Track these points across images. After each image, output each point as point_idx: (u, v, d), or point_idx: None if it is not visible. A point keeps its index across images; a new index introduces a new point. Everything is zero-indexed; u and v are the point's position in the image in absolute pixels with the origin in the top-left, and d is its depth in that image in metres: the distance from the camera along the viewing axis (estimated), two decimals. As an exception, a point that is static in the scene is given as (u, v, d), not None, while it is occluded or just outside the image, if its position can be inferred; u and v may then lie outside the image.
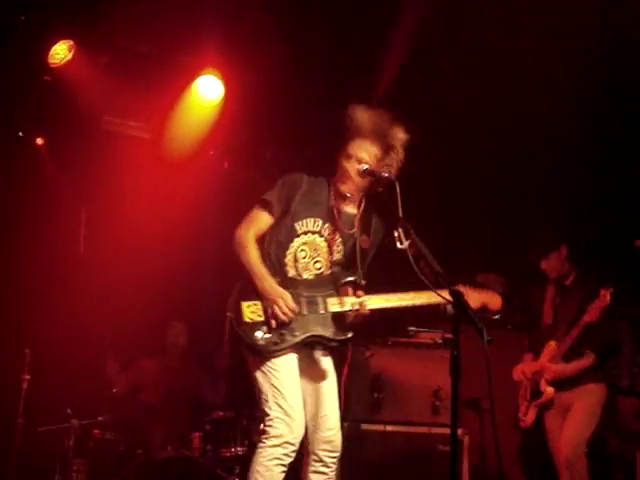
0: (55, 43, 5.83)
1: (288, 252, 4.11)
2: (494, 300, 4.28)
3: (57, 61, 5.87)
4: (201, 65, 6.23)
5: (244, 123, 6.75)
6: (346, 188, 4.14)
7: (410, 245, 3.56)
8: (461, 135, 6.48)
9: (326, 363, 4.22)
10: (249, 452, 5.47)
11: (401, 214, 3.67)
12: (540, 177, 6.76)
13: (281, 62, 6.04)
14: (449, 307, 3.29)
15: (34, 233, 6.40)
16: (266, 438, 3.92)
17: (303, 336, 4.00)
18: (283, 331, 3.96)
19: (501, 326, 6.46)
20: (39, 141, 6.44)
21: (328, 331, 4.05)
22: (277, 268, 4.08)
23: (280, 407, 3.95)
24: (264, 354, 3.98)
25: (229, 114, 6.56)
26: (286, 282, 4.05)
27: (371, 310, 4.06)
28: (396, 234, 3.59)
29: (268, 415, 3.95)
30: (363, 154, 4.09)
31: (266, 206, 4.10)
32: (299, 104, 6.57)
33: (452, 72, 6.02)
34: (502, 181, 6.80)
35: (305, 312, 4.02)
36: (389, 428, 6.00)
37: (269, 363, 3.99)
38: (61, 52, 5.85)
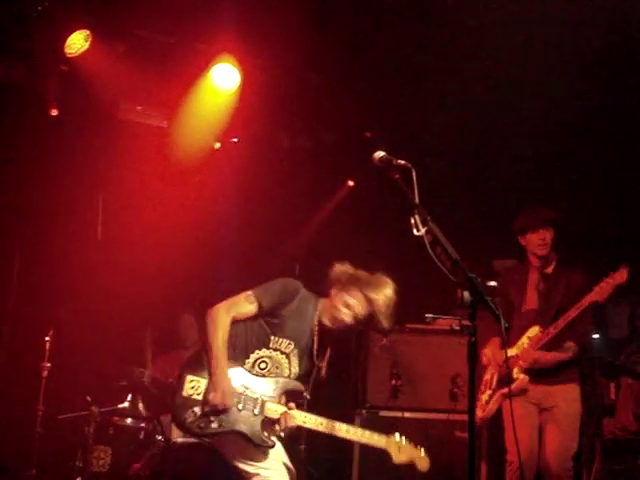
0: (72, 33, 5.85)
1: (252, 355, 4.20)
2: None
3: (74, 51, 5.89)
4: (217, 53, 6.22)
5: (261, 111, 6.75)
6: (334, 326, 4.23)
7: (427, 232, 3.55)
8: (476, 119, 6.44)
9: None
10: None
11: (417, 201, 3.65)
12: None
13: (298, 49, 6.03)
14: (466, 293, 3.28)
15: (52, 221, 6.44)
16: None
17: (227, 429, 4.07)
18: (212, 418, 4.05)
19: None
20: (53, 112, 6.41)
21: (252, 432, 4.07)
22: (237, 357, 4.15)
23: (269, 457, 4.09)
24: (190, 433, 4.12)
25: (246, 102, 6.56)
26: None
27: (298, 425, 4.13)
28: (413, 221, 3.58)
29: (261, 468, 4.06)
30: (351, 300, 4.19)
31: (257, 302, 4.15)
32: (316, 91, 6.56)
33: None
34: (518, 167, 6.78)
35: (240, 407, 4.09)
36: (407, 415, 6.03)
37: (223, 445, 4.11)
38: (78, 42, 5.88)
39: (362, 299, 4.20)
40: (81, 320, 6.07)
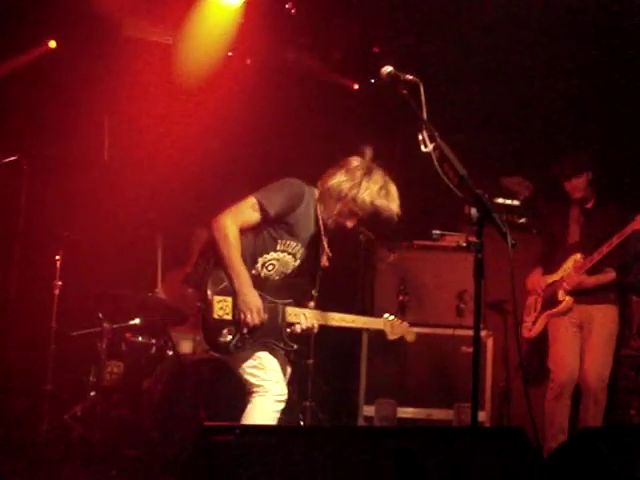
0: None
1: (260, 258, 4.20)
2: None
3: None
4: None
5: (266, 27, 6.64)
6: (333, 226, 4.29)
7: (434, 148, 3.53)
8: (495, 36, 6.33)
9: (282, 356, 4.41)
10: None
11: (425, 117, 3.62)
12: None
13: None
14: (473, 210, 3.28)
15: (58, 143, 6.40)
16: (265, 401, 4.11)
17: (261, 341, 4.16)
18: (246, 335, 4.10)
19: (526, 230, 6.47)
20: (51, 44, 6.36)
21: (279, 340, 4.22)
22: (247, 264, 4.13)
23: (274, 371, 4.18)
24: (226, 353, 4.15)
25: (250, 18, 6.45)
26: (254, 279, 4.14)
27: (320, 326, 4.32)
28: (420, 137, 3.55)
29: (265, 381, 4.13)
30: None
31: (263, 209, 4.11)
32: (323, 7, 6.44)
33: None
34: (530, 92, 6.69)
35: (265, 320, 4.14)
36: (414, 330, 6.09)
37: (247, 357, 4.16)
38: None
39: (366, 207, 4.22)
40: (91, 239, 6.08)
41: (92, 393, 5.51)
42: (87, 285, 5.92)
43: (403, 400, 6.03)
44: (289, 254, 4.26)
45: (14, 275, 6.03)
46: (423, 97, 3.68)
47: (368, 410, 6.06)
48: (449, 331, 6.10)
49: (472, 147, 6.02)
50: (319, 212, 4.28)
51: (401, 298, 6.08)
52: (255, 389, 4.16)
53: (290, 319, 4.23)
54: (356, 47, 7.03)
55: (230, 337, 4.07)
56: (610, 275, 5.48)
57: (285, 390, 4.24)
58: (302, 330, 4.25)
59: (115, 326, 5.53)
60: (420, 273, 6.23)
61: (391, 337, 4.60)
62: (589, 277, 5.46)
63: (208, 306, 4.05)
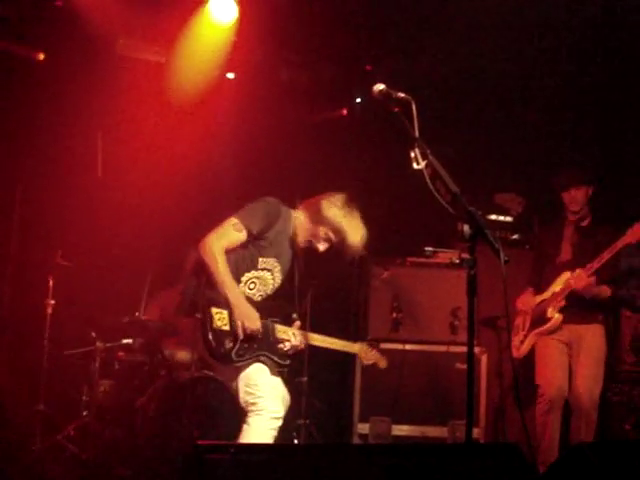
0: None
1: (242, 278, 4.38)
2: None
3: (68, -15, 5.80)
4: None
5: (259, 44, 6.67)
6: (303, 243, 4.51)
7: (427, 166, 3.54)
8: (485, 48, 6.36)
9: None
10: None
11: (417, 134, 3.63)
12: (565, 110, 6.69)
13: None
14: (466, 227, 3.29)
15: (52, 161, 6.40)
16: (262, 419, 4.18)
17: (259, 352, 4.33)
18: (245, 345, 4.27)
19: (519, 246, 6.48)
20: (40, 56, 6.36)
21: (274, 354, 4.41)
22: None
23: (270, 386, 4.27)
24: (228, 362, 4.27)
25: (244, 36, 6.48)
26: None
27: (309, 344, 4.56)
28: (412, 154, 3.57)
29: (261, 398, 4.20)
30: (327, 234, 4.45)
31: (245, 229, 4.29)
32: (317, 25, 6.47)
33: None
34: (524, 108, 6.73)
35: (261, 330, 4.31)
36: (408, 347, 6.10)
37: (248, 373, 4.29)
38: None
39: (336, 231, 4.42)
40: (83, 258, 6.07)
41: (85, 412, 5.49)
42: (80, 304, 5.90)
43: (397, 418, 6.02)
44: (268, 271, 4.44)
45: (7, 295, 6.02)
46: (415, 114, 3.70)
47: (362, 428, 6.05)
48: (443, 348, 6.10)
49: (464, 163, 6.06)
50: (296, 233, 4.48)
51: (395, 315, 6.08)
52: (251, 408, 4.22)
53: (280, 336, 4.41)
54: (348, 65, 7.06)
55: (232, 345, 4.23)
56: (605, 292, 5.44)
57: (281, 407, 4.29)
58: (291, 347, 4.43)
59: (108, 345, 5.51)
60: (413, 290, 6.23)
61: (365, 362, 4.95)
62: (589, 288, 5.36)
63: (207, 318, 4.21)
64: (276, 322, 4.43)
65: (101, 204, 6.49)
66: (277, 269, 4.48)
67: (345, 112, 7.47)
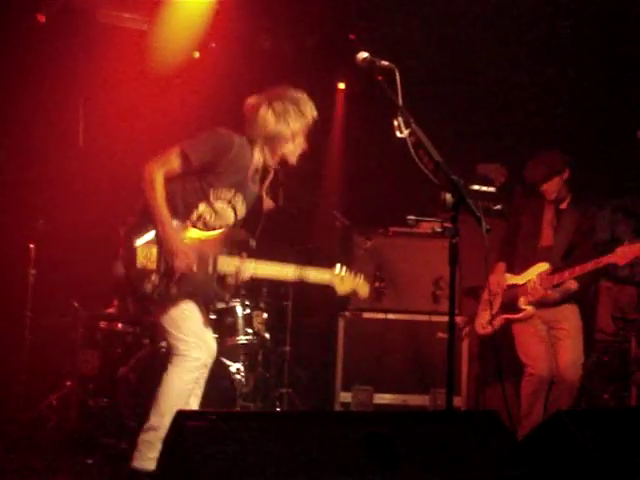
0: None
1: (195, 211, 4.12)
2: None
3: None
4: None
5: (241, 15, 6.61)
6: (274, 163, 4.27)
7: (410, 134, 3.53)
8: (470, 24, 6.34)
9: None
10: (253, 341, 5.61)
11: (401, 102, 3.62)
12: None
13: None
14: (448, 196, 3.29)
15: (32, 126, 6.34)
16: (183, 361, 4.03)
17: (184, 292, 4.05)
18: (171, 284, 4.01)
19: (502, 216, 6.49)
20: (41, 18, 6.26)
21: (207, 291, 4.15)
22: (180, 217, 4.08)
23: (194, 332, 4.07)
24: (149, 302, 4.07)
25: (225, 4, 6.41)
26: (183, 231, 4.09)
27: (251, 276, 4.17)
28: (396, 123, 3.55)
29: (183, 342, 4.04)
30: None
31: (186, 158, 4.04)
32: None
33: None
34: (509, 76, 6.71)
35: (194, 269, 4.04)
36: (390, 316, 6.13)
37: (169, 311, 4.06)
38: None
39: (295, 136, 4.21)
40: (64, 227, 6.05)
41: (68, 382, 5.48)
42: (62, 273, 5.88)
43: (380, 387, 6.05)
44: (227, 202, 4.19)
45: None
46: (398, 83, 3.69)
47: (345, 397, 6.08)
48: (425, 317, 6.13)
49: (448, 133, 6.06)
50: (256, 157, 4.23)
51: (377, 285, 6.10)
52: (173, 351, 4.08)
53: (222, 268, 4.14)
54: (331, 34, 7.01)
55: (154, 285, 3.98)
56: (573, 286, 5.35)
57: (205, 354, 4.12)
58: (235, 280, 4.16)
59: (90, 314, 5.50)
60: (397, 260, 6.24)
61: (340, 291, 4.33)
62: (554, 292, 5.33)
63: (131, 255, 3.99)
64: (222, 254, 4.14)
65: (82, 172, 6.45)
66: (238, 199, 4.22)
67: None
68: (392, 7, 6.50)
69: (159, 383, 4.07)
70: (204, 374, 4.19)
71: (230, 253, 4.18)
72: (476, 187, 6.40)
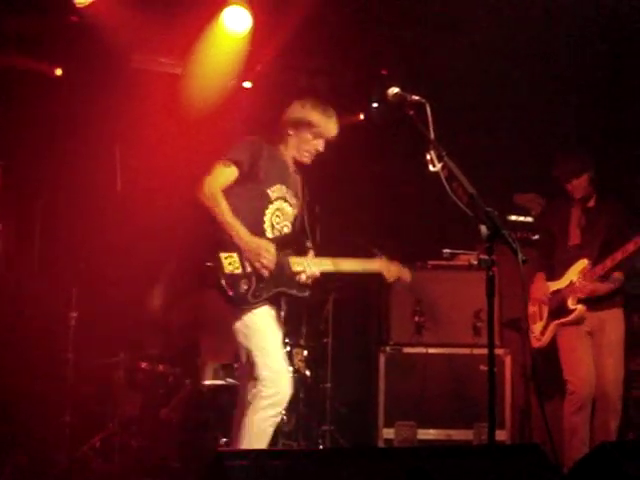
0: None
1: (265, 218, 4.29)
2: None
3: (83, 1, 5.84)
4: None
5: (275, 52, 6.67)
6: (308, 160, 4.46)
7: (443, 167, 3.54)
8: (492, 49, 6.33)
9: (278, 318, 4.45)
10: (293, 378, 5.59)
11: (433, 136, 3.63)
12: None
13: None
14: (483, 228, 3.28)
15: (70, 173, 6.44)
16: (259, 399, 4.06)
17: (276, 290, 4.23)
18: (261, 285, 4.16)
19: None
20: (57, 72, 6.42)
21: (292, 288, 4.31)
22: (255, 231, 4.22)
23: (269, 367, 4.12)
24: (245, 306, 4.14)
25: (259, 44, 6.49)
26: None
27: (322, 272, 4.38)
28: (428, 157, 3.57)
29: (259, 376, 4.09)
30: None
31: (232, 163, 4.23)
32: (333, 32, 6.46)
33: None
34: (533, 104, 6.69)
35: (275, 262, 4.21)
36: (431, 350, 6.08)
37: (251, 317, 4.16)
38: (87, -8, 5.82)
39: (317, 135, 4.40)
40: (106, 270, 6.11)
41: (110, 424, 5.51)
42: (102, 316, 5.93)
43: (423, 421, 5.99)
44: (283, 200, 4.37)
45: (31, 307, 6.06)
46: (429, 117, 3.70)
47: (388, 433, 6.03)
48: (466, 350, 6.07)
49: (483, 164, 6.04)
50: (287, 154, 4.45)
51: (417, 319, 6.08)
52: (257, 384, 4.10)
53: (295, 268, 4.31)
54: (366, 70, 7.05)
55: (246, 287, 4.12)
56: (620, 279, 5.35)
57: (287, 391, 4.16)
58: (308, 277, 4.33)
59: (132, 356, 5.53)
60: (436, 293, 6.21)
61: (389, 279, 4.62)
62: (602, 284, 5.31)
63: (217, 264, 4.10)
64: (289, 255, 4.32)
65: (121, 217, 6.52)
66: (289, 194, 4.41)
67: (362, 117, 7.46)
68: (421, 37, 6.52)
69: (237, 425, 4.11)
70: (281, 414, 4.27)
71: (296, 254, 4.37)
72: (513, 217, 6.36)
